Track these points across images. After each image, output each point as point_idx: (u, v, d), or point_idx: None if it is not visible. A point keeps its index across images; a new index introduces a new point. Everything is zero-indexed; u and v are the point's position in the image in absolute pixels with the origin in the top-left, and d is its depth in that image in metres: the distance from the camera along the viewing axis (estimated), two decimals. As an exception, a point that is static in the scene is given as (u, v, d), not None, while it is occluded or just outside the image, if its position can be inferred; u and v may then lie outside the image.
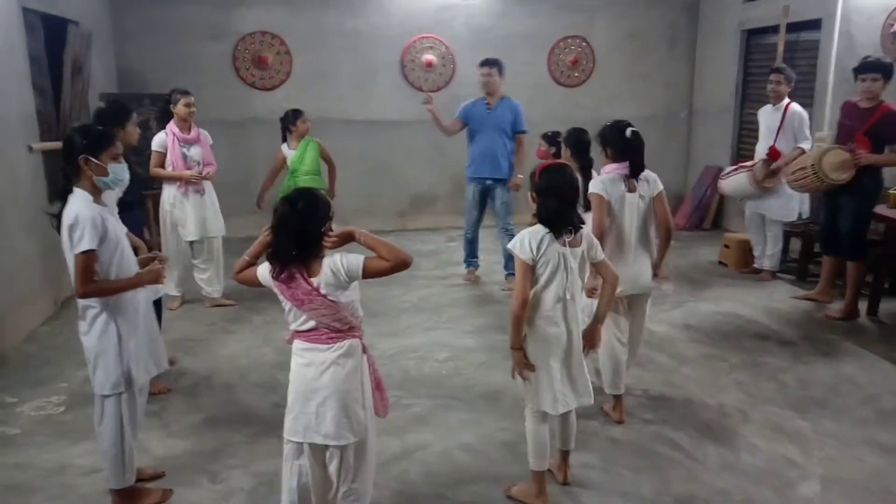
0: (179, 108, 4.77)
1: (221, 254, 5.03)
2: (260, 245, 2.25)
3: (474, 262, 5.79)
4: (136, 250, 2.81)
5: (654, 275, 3.27)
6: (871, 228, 4.79)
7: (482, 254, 6.72)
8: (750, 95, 7.20)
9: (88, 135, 2.51)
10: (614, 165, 3.23)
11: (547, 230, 2.49)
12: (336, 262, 2.17)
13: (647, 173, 3.25)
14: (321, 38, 7.22)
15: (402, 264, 2.21)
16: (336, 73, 7.30)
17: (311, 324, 2.20)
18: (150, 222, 5.48)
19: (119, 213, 2.84)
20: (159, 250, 4.15)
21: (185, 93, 4.82)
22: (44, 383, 3.76)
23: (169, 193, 4.85)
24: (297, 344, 2.25)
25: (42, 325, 4.66)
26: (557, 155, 4.35)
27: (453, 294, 5.36)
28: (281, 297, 2.21)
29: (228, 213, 5.20)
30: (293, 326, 2.24)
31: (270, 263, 2.18)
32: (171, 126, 4.80)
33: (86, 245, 2.39)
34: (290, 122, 5.29)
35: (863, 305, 4.74)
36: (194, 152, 4.83)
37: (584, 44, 7.76)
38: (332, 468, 2.26)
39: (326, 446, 2.23)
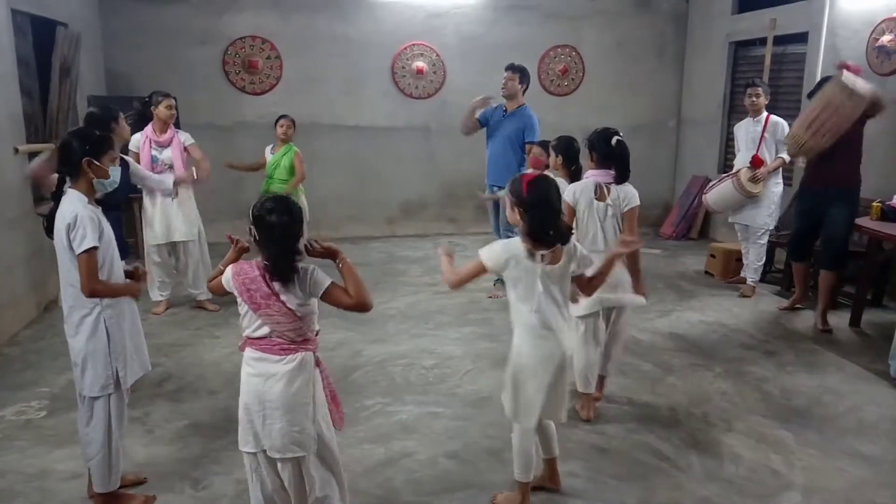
0: (161, 110, 4.75)
1: (205, 256, 5.00)
2: (234, 254, 2.25)
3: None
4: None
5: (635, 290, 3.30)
6: (853, 240, 4.85)
7: (468, 261, 6.71)
8: (737, 107, 7.27)
9: (90, 139, 2.52)
10: (596, 171, 3.29)
11: (523, 247, 2.42)
12: (306, 272, 2.14)
13: (626, 187, 3.28)
14: (311, 43, 7.22)
15: (362, 306, 2.18)
16: (326, 79, 7.31)
17: (265, 330, 2.16)
18: (135, 225, 5.45)
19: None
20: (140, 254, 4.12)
21: (167, 95, 4.80)
22: (25, 387, 3.72)
23: (144, 197, 4.85)
24: (249, 352, 2.20)
25: (24, 329, 4.62)
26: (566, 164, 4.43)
27: (440, 301, 5.36)
28: (239, 300, 2.18)
29: (215, 217, 5.20)
30: (247, 332, 2.19)
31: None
32: (149, 128, 4.78)
33: (89, 243, 2.39)
34: (275, 125, 5.45)
35: (844, 316, 4.80)
36: (165, 155, 4.80)
37: (573, 53, 7.82)
38: (286, 480, 2.24)
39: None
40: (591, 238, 3.26)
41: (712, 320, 4.92)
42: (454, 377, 3.93)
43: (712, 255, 6.21)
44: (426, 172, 7.77)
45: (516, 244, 2.45)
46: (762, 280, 5.73)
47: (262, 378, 2.16)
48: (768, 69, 6.22)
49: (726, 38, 7.29)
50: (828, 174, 4.61)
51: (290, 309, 2.13)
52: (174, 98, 4.87)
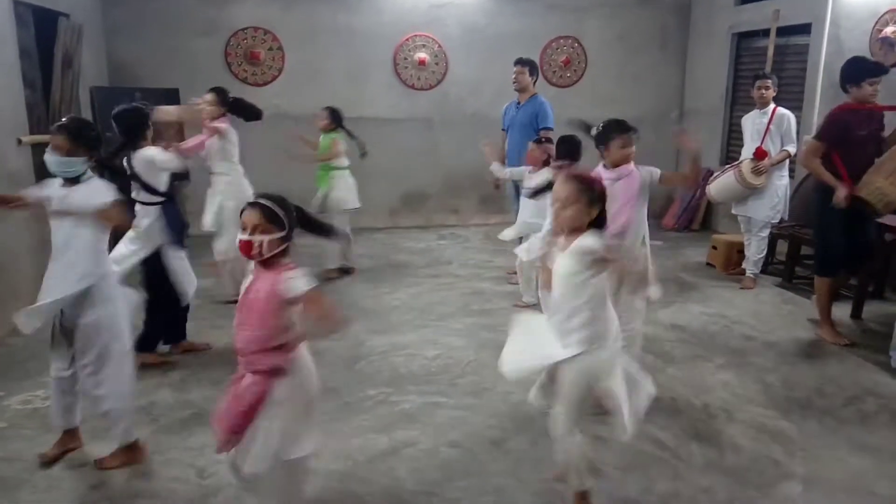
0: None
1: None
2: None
3: None
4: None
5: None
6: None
7: (474, 252, 6.74)
8: (739, 98, 7.26)
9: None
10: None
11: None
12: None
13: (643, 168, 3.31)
14: (314, 34, 7.21)
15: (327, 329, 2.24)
16: (328, 70, 7.30)
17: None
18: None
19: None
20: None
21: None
22: (31, 376, 3.75)
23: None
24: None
25: (29, 319, 4.63)
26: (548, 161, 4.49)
27: (443, 292, 5.38)
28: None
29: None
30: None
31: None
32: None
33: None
34: None
35: (846, 308, 4.80)
36: None
37: (576, 44, 7.79)
38: None
39: None
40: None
41: (713, 312, 4.93)
42: (456, 368, 3.95)
43: (714, 247, 6.21)
44: (428, 164, 7.76)
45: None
46: (763, 272, 5.74)
47: None
48: (771, 60, 6.21)
49: (729, 30, 7.27)
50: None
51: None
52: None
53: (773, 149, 5.35)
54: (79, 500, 2.67)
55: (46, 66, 5.29)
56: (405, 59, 7.44)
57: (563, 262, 2.38)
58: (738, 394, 3.64)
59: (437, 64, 7.51)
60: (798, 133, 5.53)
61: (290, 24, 7.14)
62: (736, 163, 5.54)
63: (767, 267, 5.83)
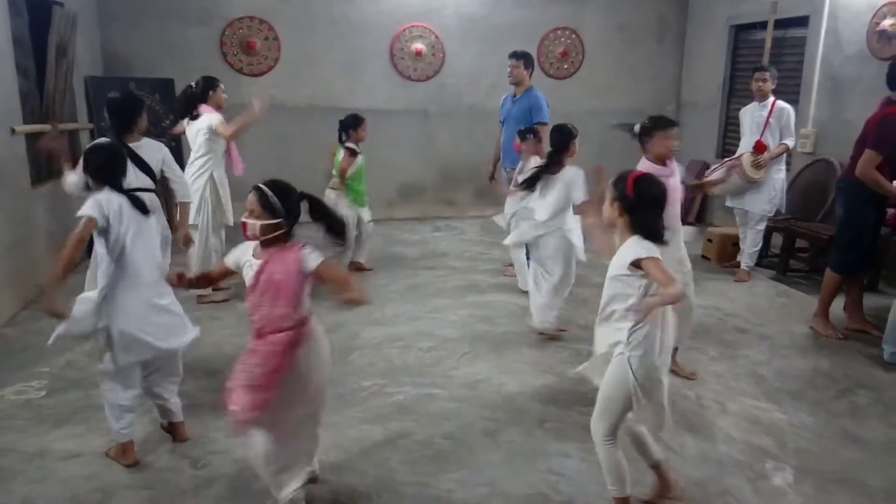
0: (220, 96, 4.84)
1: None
2: None
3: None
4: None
5: None
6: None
7: (470, 245, 6.74)
8: (737, 91, 7.25)
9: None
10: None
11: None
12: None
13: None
14: (310, 24, 7.17)
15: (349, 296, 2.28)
16: (325, 61, 7.26)
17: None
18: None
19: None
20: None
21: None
22: (25, 367, 3.74)
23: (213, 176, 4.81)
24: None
25: (23, 310, 4.63)
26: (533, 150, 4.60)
27: (438, 284, 5.38)
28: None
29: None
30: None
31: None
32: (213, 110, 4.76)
33: None
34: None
35: (840, 301, 4.80)
36: None
37: (573, 35, 7.77)
38: None
39: None
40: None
41: (707, 304, 4.94)
42: (451, 359, 3.95)
43: (709, 240, 6.22)
44: (425, 155, 7.75)
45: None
46: (758, 265, 5.75)
47: None
48: (769, 53, 6.19)
49: (727, 22, 7.25)
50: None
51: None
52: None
53: (772, 142, 5.35)
54: (72, 491, 2.67)
55: (40, 55, 5.26)
56: (402, 49, 7.41)
57: (613, 260, 2.38)
58: (731, 386, 3.65)
59: (433, 55, 7.48)
60: (795, 126, 5.52)
61: (286, 14, 7.10)
62: (735, 156, 5.53)
63: (762, 260, 5.84)
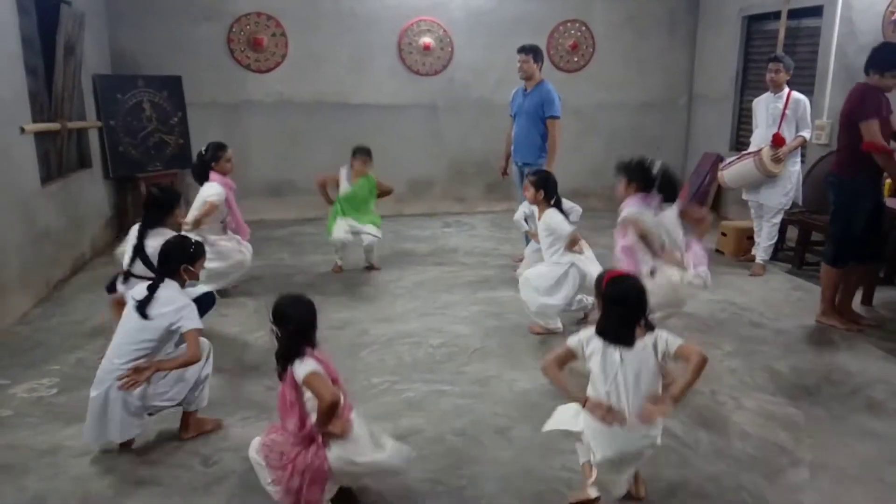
0: (225, 165, 4.75)
1: None
2: None
3: None
4: None
5: None
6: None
7: (480, 240, 6.71)
8: (750, 82, 7.16)
9: (187, 249, 2.96)
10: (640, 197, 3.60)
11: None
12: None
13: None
14: (317, 19, 7.15)
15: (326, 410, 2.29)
16: (332, 56, 7.24)
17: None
18: None
19: None
20: None
21: (224, 146, 4.80)
22: (36, 365, 3.76)
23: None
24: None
25: (34, 308, 4.65)
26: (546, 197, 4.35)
27: (448, 280, 5.35)
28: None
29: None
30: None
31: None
32: (223, 178, 4.71)
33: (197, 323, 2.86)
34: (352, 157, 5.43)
35: (857, 295, 4.74)
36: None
37: (583, 28, 7.70)
38: None
39: None
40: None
41: (722, 298, 4.89)
42: (462, 356, 3.93)
43: (723, 233, 6.15)
44: (433, 151, 7.72)
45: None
46: (773, 259, 5.68)
47: None
48: (782, 44, 6.11)
49: (739, 13, 7.15)
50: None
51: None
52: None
53: (788, 134, 5.26)
54: (84, 488, 2.67)
55: (48, 54, 5.27)
56: (410, 44, 7.37)
57: None
58: (745, 381, 3.60)
59: (442, 49, 7.44)
60: (811, 118, 5.43)
61: (293, 9, 7.07)
62: (754, 150, 5.41)
63: (777, 253, 5.77)
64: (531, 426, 3.12)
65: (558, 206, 4.18)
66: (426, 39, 7.36)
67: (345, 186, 5.40)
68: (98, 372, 2.83)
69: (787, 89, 5.28)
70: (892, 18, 5.22)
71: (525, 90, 5.45)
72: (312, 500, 2.32)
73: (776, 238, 5.56)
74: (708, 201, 7.72)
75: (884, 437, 3.04)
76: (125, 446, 2.91)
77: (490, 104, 7.44)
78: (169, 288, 2.87)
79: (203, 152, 4.75)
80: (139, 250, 3.50)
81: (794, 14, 6.19)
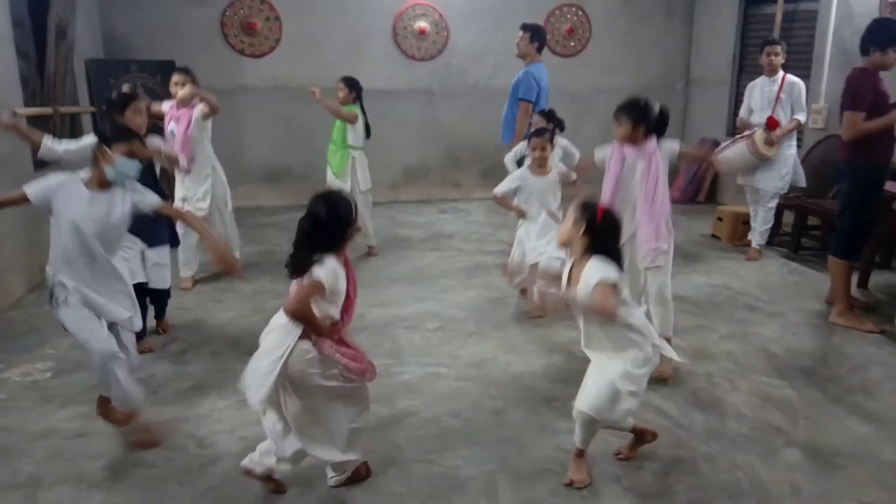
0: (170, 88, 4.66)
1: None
2: None
3: None
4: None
5: None
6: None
7: (476, 226, 6.70)
8: (747, 66, 7.13)
9: (103, 131, 2.78)
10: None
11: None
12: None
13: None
14: (311, 3, 7.08)
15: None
16: (327, 40, 7.18)
17: None
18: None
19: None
20: None
21: (178, 70, 4.72)
22: (30, 349, 3.74)
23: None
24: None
25: (28, 293, 4.63)
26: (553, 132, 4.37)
27: (444, 265, 5.34)
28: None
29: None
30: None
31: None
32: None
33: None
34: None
35: (853, 278, 4.74)
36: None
37: (579, 12, 7.65)
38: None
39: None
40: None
41: (718, 283, 4.89)
42: (457, 339, 3.92)
43: (719, 219, 6.15)
44: (429, 136, 7.68)
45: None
46: (769, 243, 5.67)
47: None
48: (779, 27, 6.07)
49: (736, -4, 7.11)
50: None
51: None
52: (184, 72, 4.67)
53: (783, 117, 5.24)
54: (78, 470, 2.67)
55: (40, 37, 5.21)
56: (405, 28, 7.31)
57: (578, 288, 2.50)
58: (741, 363, 3.61)
59: (437, 33, 7.38)
60: (807, 101, 5.41)
61: (287, -6, 7.00)
62: (747, 133, 5.40)
63: (773, 238, 5.76)
64: (527, 408, 3.12)
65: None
66: (421, 24, 7.31)
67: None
68: None
69: (781, 73, 5.26)
70: (890, 1, 5.19)
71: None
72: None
73: (772, 223, 5.54)
74: (704, 187, 7.71)
75: (879, 418, 3.05)
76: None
77: (486, 89, 7.40)
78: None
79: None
80: None
81: (792, -3, 6.15)
